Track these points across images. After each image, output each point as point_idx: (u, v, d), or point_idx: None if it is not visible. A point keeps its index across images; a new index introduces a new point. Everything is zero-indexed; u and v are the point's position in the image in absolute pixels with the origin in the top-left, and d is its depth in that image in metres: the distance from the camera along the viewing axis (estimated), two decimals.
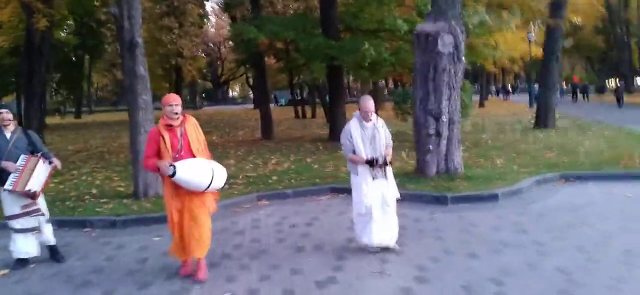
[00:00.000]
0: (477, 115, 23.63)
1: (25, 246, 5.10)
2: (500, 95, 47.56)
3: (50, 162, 5.16)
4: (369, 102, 4.99)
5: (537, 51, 28.45)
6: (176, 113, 4.45)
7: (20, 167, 4.94)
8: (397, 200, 5.19)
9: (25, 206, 5.07)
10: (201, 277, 4.51)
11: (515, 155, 10.38)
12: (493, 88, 51.23)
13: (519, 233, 5.53)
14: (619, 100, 27.44)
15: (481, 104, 32.87)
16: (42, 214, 5.21)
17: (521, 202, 6.91)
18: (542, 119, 16.15)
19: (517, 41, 27.05)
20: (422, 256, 4.90)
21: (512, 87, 52.03)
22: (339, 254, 5.07)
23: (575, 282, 4.09)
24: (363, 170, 4.95)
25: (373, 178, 4.95)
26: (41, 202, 5.21)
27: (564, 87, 32.76)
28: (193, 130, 4.58)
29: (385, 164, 4.96)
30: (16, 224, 5.09)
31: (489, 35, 14.78)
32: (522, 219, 6.10)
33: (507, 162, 9.59)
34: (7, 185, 4.90)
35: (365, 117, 4.97)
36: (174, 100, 4.49)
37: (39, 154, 5.13)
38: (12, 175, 4.91)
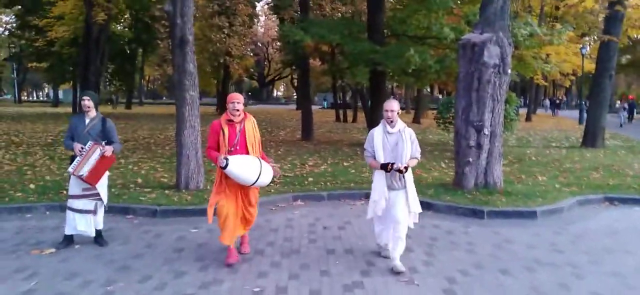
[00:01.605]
0: (523, 129, 23.05)
1: (81, 225, 5.46)
2: (549, 110, 45.85)
3: (102, 149, 5.38)
4: (390, 103, 4.86)
5: (591, 66, 27.44)
6: (237, 110, 4.85)
7: (84, 152, 5.26)
8: (418, 215, 5.04)
9: (86, 189, 5.43)
10: (245, 250, 5.26)
11: (559, 173, 10.09)
12: (547, 102, 49.28)
13: (554, 253, 5.41)
14: None
15: (528, 118, 31.98)
16: (100, 199, 5.53)
17: (560, 222, 6.74)
18: (591, 138, 15.57)
19: (569, 55, 26.19)
20: (452, 269, 4.88)
21: (559, 101, 49.71)
22: (368, 259, 5.12)
23: None
24: (379, 177, 4.85)
25: (389, 187, 4.84)
26: (101, 187, 5.52)
27: (626, 105, 30.81)
28: (251, 128, 4.98)
29: (400, 171, 4.71)
30: (75, 203, 5.46)
31: (539, 47, 14.41)
32: (559, 239, 5.96)
33: (550, 179, 9.34)
34: (70, 168, 5.30)
35: (386, 118, 4.84)
36: (237, 99, 4.89)
37: (103, 142, 5.43)
38: (76, 159, 5.27)
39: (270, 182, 5.22)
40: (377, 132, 4.91)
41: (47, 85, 72.08)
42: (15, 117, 28.03)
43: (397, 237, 4.80)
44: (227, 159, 4.64)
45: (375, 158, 4.85)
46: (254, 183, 4.83)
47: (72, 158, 5.41)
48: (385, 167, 4.72)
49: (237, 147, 4.84)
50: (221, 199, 4.90)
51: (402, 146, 4.80)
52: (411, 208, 4.85)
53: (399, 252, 4.84)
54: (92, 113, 5.55)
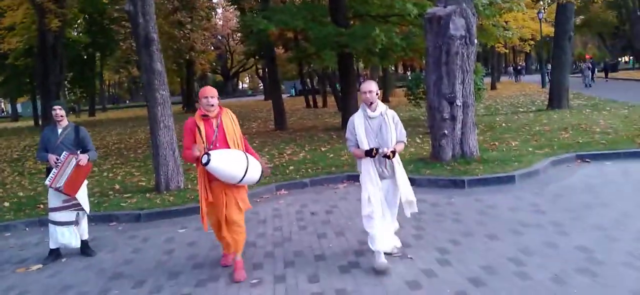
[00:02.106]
0: (490, 97, 23.56)
1: (64, 238, 5.35)
2: (512, 77, 46.92)
3: (76, 158, 5.24)
4: (368, 84, 4.46)
5: (548, 30, 28.16)
6: (212, 105, 4.38)
7: (61, 163, 5.12)
8: (415, 203, 4.63)
9: (66, 201, 5.31)
10: (239, 277, 4.40)
11: (530, 137, 10.39)
12: (511, 69, 50.32)
13: (537, 214, 5.59)
14: None
15: (493, 87, 32.68)
16: (82, 209, 5.41)
17: (538, 183, 6.96)
18: (556, 100, 16.04)
19: (527, 20, 26.78)
20: (442, 239, 4.99)
21: (521, 67, 50.55)
22: (360, 239, 5.17)
23: (594, 260, 4.17)
24: (366, 165, 4.41)
25: (380, 176, 4.43)
26: (81, 197, 5.41)
27: (589, 65, 31.51)
28: (229, 122, 4.51)
29: (387, 156, 4.29)
30: (57, 216, 5.34)
31: (500, 15, 14.69)
32: (539, 199, 6.16)
33: (523, 144, 9.62)
34: (46, 180, 5.16)
35: (365, 100, 4.42)
36: (210, 93, 4.42)
37: (78, 152, 5.30)
38: (52, 171, 5.12)
39: (259, 180, 4.67)
40: (358, 117, 4.46)
41: (3, 100, 69.41)
42: None
43: (387, 225, 4.56)
44: (208, 155, 4.14)
45: (358, 147, 4.43)
46: (242, 179, 4.32)
47: (48, 170, 5.28)
48: (370, 153, 4.27)
49: (217, 144, 4.37)
50: (208, 207, 4.48)
51: (386, 130, 4.38)
52: (404, 197, 4.48)
53: (389, 239, 4.60)
54: (64, 122, 5.40)
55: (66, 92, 45.39)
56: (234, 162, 4.28)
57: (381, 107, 4.49)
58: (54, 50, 25.14)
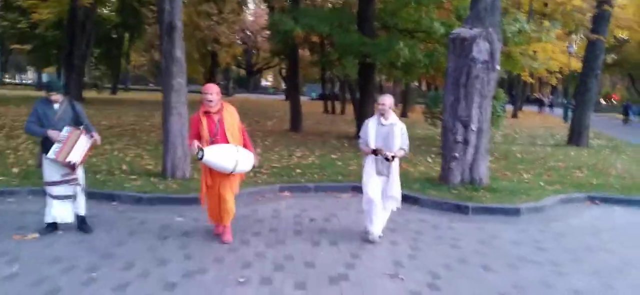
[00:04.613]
0: (509, 125, 23.23)
1: (60, 212, 5.36)
2: (537, 107, 46.17)
3: (91, 136, 5.33)
4: (383, 97, 5.40)
5: (577, 65, 27.66)
6: (211, 101, 4.99)
7: (64, 138, 5.15)
8: (399, 201, 5.59)
9: (65, 175, 5.31)
10: (226, 239, 5.29)
11: (544, 171, 10.19)
12: (546, 100, 49.47)
13: (537, 250, 5.47)
14: None
15: (514, 115, 32.27)
16: (79, 184, 5.43)
17: (544, 220, 6.81)
18: (576, 136, 15.76)
19: (556, 53, 26.36)
20: (436, 263, 4.91)
21: (551, 102, 49.45)
22: (353, 252, 5.13)
23: None
24: (369, 162, 5.39)
25: (377, 173, 5.36)
26: (79, 173, 5.43)
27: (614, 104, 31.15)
28: (230, 117, 5.15)
29: (387, 158, 5.21)
30: (54, 190, 5.34)
31: (528, 44, 14.51)
32: (542, 236, 6.03)
33: (535, 177, 9.44)
34: (51, 154, 5.12)
35: (378, 110, 5.37)
36: (209, 90, 5.06)
37: (82, 127, 5.32)
38: (55, 145, 5.13)
39: (250, 170, 5.47)
40: (372, 121, 5.44)
41: (30, 68, 70.85)
42: None
43: (377, 212, 5.39)
44: (202, 151, 4.80)
45: (367, 145, 5.35)
46: (232, 171, 5.01)
47: (44, 144, 5.25)
48: (374, 151, 5.26)
49: (217, 138, 5.02)
50: (207, 190, 5.27)
51: (392, 137, 5.30)
52: (389, 192, 5.41)
53: (380, 224, 5.50)
54: (60, 98, 5.35)
55: (91, 68, 46.11)
56: (224, 158, 4.94)
57: (393, 118, 5.41)
58: (83, 25, 25.61)
